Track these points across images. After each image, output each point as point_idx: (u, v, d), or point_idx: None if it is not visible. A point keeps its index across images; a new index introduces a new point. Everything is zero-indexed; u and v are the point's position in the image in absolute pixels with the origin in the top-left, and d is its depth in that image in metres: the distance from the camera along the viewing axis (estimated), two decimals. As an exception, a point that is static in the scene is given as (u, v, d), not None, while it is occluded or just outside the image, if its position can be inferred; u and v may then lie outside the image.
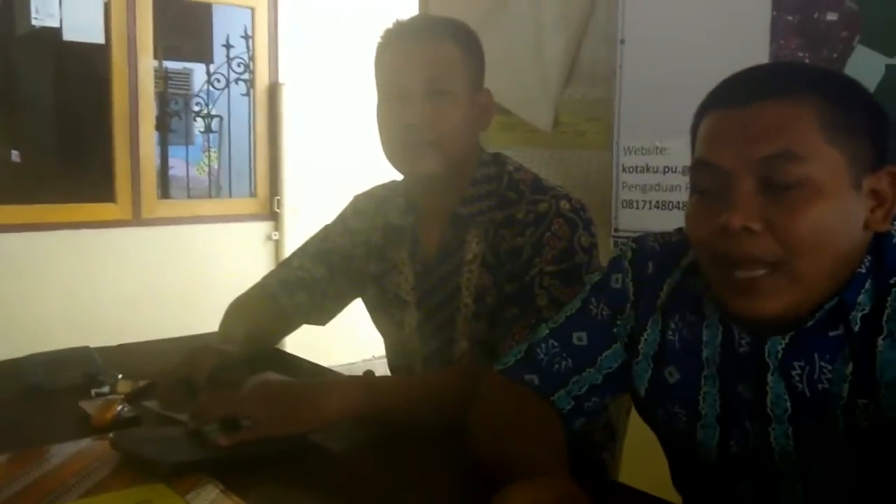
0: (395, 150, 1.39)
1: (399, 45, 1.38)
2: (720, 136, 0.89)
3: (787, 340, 0.91)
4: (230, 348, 1.39)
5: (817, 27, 1.76)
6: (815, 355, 0.90)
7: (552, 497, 0.81)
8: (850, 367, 0.89)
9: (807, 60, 1.76)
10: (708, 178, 0.90)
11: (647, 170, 2.09)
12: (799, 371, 0.91)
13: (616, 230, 2.16)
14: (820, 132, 0.85)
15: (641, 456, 1.39)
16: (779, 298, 0.87)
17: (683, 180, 2.01)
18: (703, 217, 0.90)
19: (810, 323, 0.90)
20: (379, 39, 1.41)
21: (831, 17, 1.74)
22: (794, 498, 0.95)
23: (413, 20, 1.43)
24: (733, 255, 0.87)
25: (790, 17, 1.80)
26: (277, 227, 4.40)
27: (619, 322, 1.07)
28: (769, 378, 0.93)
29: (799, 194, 0.85)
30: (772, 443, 0.94)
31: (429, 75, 1.34)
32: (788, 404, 0.92)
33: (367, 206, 1.56)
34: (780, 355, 0.92)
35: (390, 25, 1.40)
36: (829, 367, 0.90)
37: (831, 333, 0.90)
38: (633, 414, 1.21)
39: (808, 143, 0.85)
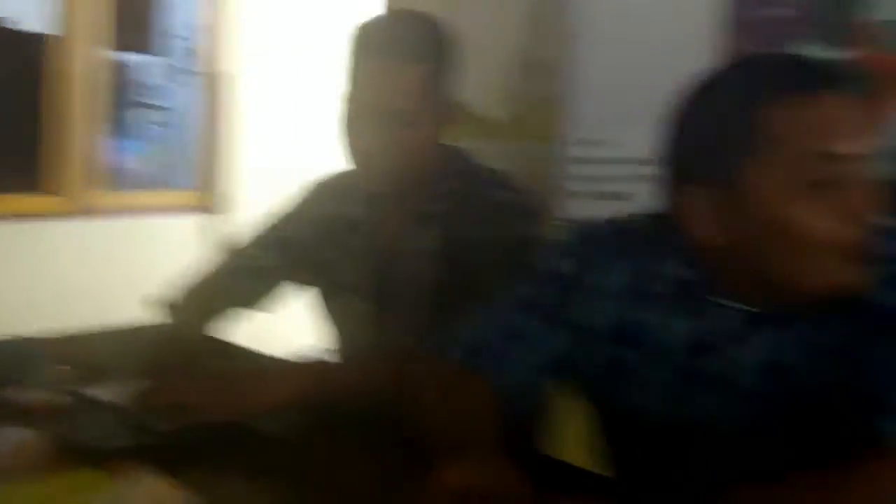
0: (352, 158, 1.36)
1: (367, 61, 1.32)
2: (838, 124, 0.87)
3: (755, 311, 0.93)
4: (176, 338, 1.37)
5: (768, 21, 1.80)
6: (784, 329, 0.93)
7: (485, 475, 0.83)
8: (814, 341, 0.91)
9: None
10: (834, 171, 0.87)
11: (597, 161, 2.11)
12: (768, 344, 0.93)
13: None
14: None
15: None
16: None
17: (634, 171, 2.03)
18: (834, 212, 0.86)
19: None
20: (349, 38, 1.34)
21: (783, 11, 1.78)
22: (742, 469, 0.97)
23: (384, 30, 1.35)
24: (864, 241, 0.87)
25: (741, 10, 1.84)
26: (222, 219, 4.35)
27: (563, 305, 1.06)
28: (731, 349, 0.95)
29: None
30: (728, 414, 0.96)
31: (393, 104, 1.29)
32: (753, 377, 0.94)
33: (321, 193, 1.54)
34: (748, 327, 0.94)
35: (362, 24, 1.33)
36: (795, 339, 0.92)
37: None
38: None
39: None
